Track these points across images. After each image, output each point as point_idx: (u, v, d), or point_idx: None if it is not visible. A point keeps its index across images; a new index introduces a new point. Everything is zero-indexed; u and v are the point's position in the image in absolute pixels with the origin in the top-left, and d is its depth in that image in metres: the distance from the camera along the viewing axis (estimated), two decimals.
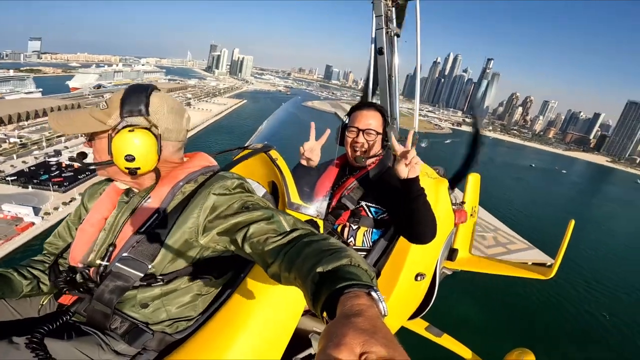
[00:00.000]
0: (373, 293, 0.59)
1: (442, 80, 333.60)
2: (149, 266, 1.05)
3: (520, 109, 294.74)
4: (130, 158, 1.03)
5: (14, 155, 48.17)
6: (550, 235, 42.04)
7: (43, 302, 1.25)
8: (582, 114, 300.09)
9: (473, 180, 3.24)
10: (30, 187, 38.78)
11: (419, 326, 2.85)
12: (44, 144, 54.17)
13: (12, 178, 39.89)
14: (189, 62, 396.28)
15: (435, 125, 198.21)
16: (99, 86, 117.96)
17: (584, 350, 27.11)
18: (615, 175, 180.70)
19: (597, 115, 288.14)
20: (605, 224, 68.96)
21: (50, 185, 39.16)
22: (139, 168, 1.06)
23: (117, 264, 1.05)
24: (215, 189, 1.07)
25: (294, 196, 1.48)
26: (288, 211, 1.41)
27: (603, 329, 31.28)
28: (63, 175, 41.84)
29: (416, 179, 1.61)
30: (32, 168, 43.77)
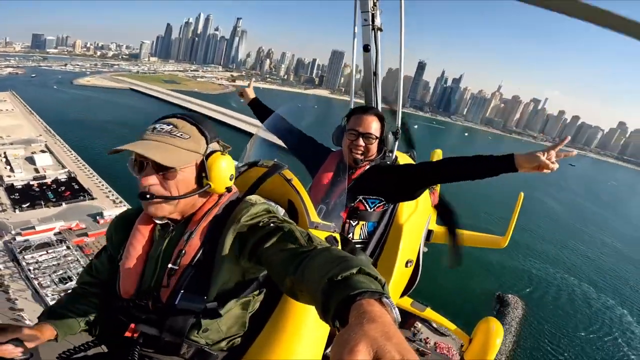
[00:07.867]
0: (385, 299, 0.59)
1: (197, 39, 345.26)
2: (205, 297, 1.08)
3: (268, 60, 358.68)
4: (232, 177, 1.15)
5: None
6: None
7: (95, 333, 1.28)
8: (305, 59, 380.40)
9: (437, 156, 3.40)
10: (63, 204, 44.56)
11: (405, 303, 3.03)
12: None
13: (26, 205, 43.35)
14: None
15: (220, 84, 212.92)
16: None
17: None
18: (334, 102, 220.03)
19: (314, 60, 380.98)
20: None
21: (85, 195, 47.21)
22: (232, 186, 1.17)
23: (180, 301, 1.06)
24: (245, 217, 1.10)
25: (313, 215, 1.51)
26: (311, 230, 1.38)
27: None
28: (60, 191, 48.09)
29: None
30: (16, 196, 45.49)
